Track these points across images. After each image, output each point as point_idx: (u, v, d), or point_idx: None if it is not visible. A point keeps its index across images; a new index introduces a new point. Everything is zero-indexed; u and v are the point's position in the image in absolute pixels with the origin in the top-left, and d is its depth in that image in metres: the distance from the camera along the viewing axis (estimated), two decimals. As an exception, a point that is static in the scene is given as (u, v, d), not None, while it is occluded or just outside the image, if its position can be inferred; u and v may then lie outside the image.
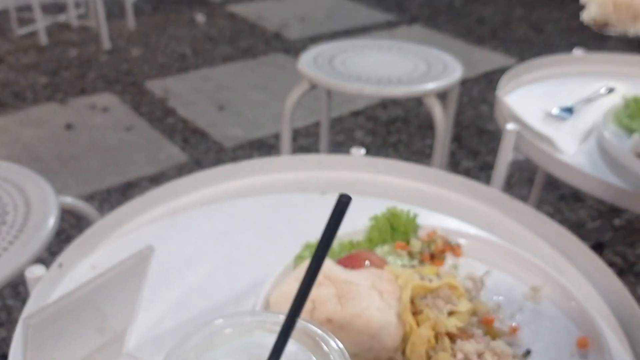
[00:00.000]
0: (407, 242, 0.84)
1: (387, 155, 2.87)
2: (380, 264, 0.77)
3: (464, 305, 0.70)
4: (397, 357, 0.64)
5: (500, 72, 3.76)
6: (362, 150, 1.04)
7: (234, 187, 0.99)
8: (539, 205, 2.41)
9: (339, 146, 2.95)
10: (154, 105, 3.28)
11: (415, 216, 0.86)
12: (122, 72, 3.68)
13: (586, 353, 0.71)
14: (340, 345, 0.49)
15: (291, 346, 0.49)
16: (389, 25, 4.76)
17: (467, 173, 2.77)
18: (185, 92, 3.47)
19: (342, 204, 0.41)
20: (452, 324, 0.66)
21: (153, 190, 0.92)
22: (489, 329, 0.71)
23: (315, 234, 0.85)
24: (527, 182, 2.59)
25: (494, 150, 2.97)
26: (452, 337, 0.66)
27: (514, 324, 0.73)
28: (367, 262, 0.77)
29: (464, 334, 0.66)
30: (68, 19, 4.36)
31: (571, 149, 1.12)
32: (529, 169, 2.57)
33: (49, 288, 0.76)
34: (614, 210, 2.48)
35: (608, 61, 1.52)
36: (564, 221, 2.46)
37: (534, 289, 0.79)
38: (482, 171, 2.80)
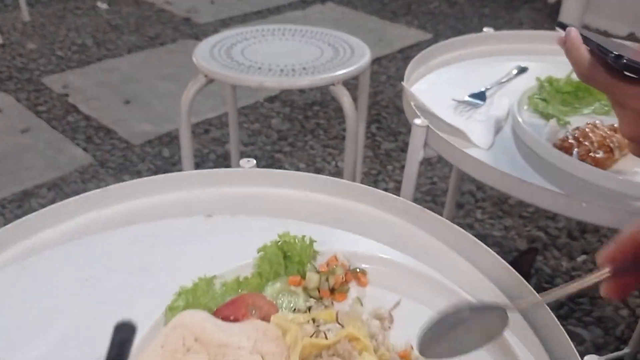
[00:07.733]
0: (304, 275, 0.72)
1: (306, 143, 2.75)
2: (268, 309, 0.65)
3: (366, 360, 0.58)
4: None
5: (416, 47, 3.70)
6: (252, 162, 0.91)
7: (100, 216, 0.84)
8: (469, 208, 2.35)
9: (256, 135, 2.80)
10: (53, 102, 3.03)
11: (311, 242, 0.74)
12: (16, 67, 3.39)
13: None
14: None
15: None
16: (302, 4, 4.60)
17: (388, 155, 2.69)
18: (88, 86, 3.22)
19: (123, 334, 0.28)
20: (352, 388, 0.55)
21: (-3, 231, 0.76)
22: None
23: (199, 268, 0.72)
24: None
25: (414, 130, 2.90)
26: (353, 404, 0.54)
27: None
28: (252, 310, 0.64)
29: (369, 396, 0.55)
30: (-48, 13, 3.99)
31: (486, 142, 1.02)
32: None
33: None
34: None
35: (518, 38, 1.44)
36: (497, 222, 2.42)
37: (449, 319, 0.69)
38: (403, 152, 2.71)
